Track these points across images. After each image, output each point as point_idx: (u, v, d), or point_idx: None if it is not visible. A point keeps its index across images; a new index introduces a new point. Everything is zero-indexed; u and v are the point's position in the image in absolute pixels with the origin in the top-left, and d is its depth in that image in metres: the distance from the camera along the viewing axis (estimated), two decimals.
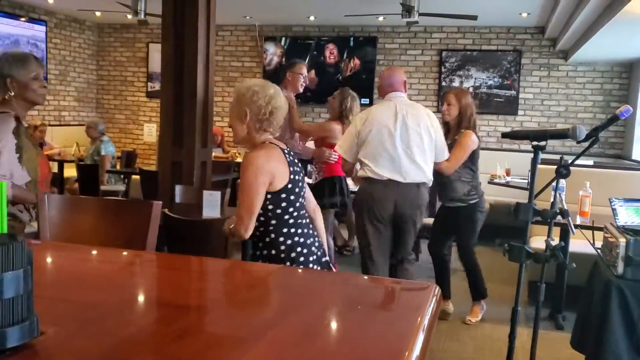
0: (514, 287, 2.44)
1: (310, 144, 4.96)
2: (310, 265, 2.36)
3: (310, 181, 5.29)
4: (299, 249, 2.34)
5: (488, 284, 4.23)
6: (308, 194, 2.50)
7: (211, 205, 3.42)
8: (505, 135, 2.52)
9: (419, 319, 1.25)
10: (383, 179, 3.44)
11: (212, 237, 3.03)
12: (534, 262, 2.28)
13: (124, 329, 1.13)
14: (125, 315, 1.24)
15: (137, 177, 6.65)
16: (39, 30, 8.23)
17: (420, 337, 1.16)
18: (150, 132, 8.94)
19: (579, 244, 4.24)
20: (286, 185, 2.30)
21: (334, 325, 1.29)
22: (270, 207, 2.30)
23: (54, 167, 7.38)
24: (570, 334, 3.06)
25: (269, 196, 2.28)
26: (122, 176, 7.33)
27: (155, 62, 8.83)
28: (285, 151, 2.37)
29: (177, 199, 4.07)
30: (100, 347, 1.03)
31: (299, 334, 1.16)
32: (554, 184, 2.39)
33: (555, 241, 2.38)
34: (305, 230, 2.39)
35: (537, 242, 4.31)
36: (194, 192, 3.99)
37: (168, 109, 4.37)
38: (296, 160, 2.40)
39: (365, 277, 1.89)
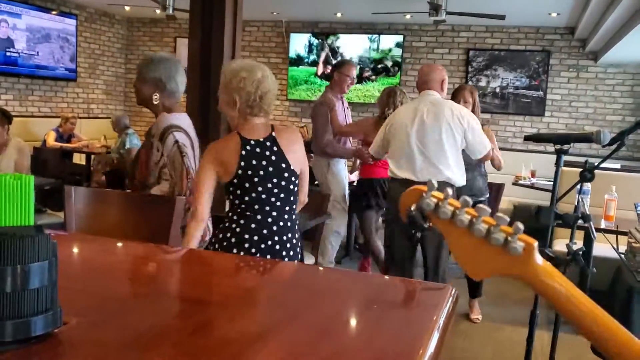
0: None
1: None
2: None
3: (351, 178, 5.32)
4: (255, 239, 2.25)
5: (509, 286, 4.20)
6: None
7: None
8: (528, 138, 2.50)
9: (435, 319, 1.26)
10: (399, 178, 3.42)
11: None
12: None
13: (143, 322, 1.16)
14: (146, 308, 1.27)
15: None
16: (70, 24, 8.37)
17: (435, 337, 1.16)
18: None
19: (602, 248, 4.18)
20: (232, 179, 2.24)
21: (349, 323, 1.31)
22: (226, 195, 2.31)
23: (82, 159, 7.52)
24: None
25: (224, 186, 2.29)
26: None
27: (183, 57, 8.90)
28: (252, 142, 2.26)
29: None
30: (120, 339, 1.06)
31: (314, 332, 1.17)
32: (578, 187, 2.37)
33: (578, 245, 2.36)
34: (266, 225, 2.26)
35: (560, 244, 4.26)
36: (218, 187, 4.02)
37: (194, 104, 4.42)
38: (267, 153, 2.27)
39: (382, 277, 1.89)
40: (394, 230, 3.49)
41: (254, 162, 2.25)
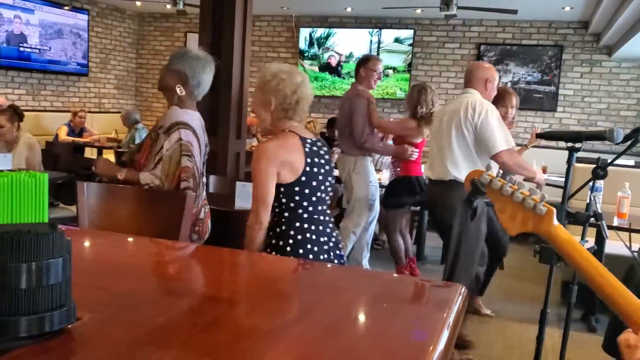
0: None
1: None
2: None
3: (382, 179, 5.29)
4: (308, 246, 2.18)
5: (520, 283, 4.19)
6: None
7: (243, 196, 3.45)
8: (539, 135, 2.49)
9: (444, 317, 1.26)
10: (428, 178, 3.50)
11: (244, 228, 3.07)
12: (565, 265, 2.25)
13: (154, 318, 1.17)
14: (157, 304, 1.28)
15: None
16: (82, 19, 8.41)
17: (445, 334, 1.16)
18: None
19: (615, 246, 4.15)
20: (299, 178, 2.16)
21: (359, 320, 1.31)
22: (283, 199, 2.18)
23: (93, 153, 7.57)
24: (602, 337, 3.02)
25: (282, 189, 2.17)
26: None
27: None
28: (309, 140, 2.23)
29: (211, 189, 4.13)
30: (132, 334, 1.07)
31: (324, 329, 1.18)
32: (590, 184, 2.35)
33: (590, 243, 2.34)
34: (321, 228, 2.23)
35: None
36: (227, 183, 4.04)
37: (204, 99, 4.41)
38: (322, 152, 2.26)
39: (391, 274, 1.89)
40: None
41: (316, 159, 2.21)
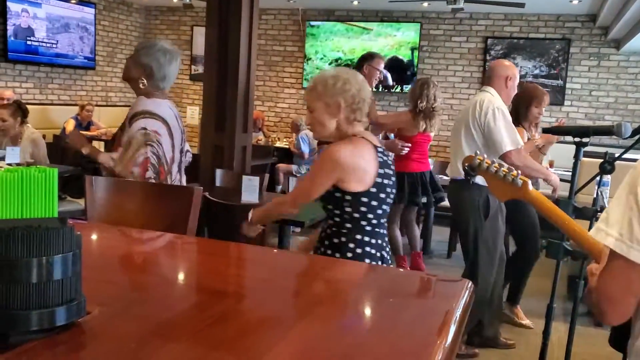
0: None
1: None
2: None
3: None
4: (367, 260, 2.07)
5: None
6: None
7: (250, 190, 3.47)
8: (547, 130, 2.48)
9: (451, 312, 1.26)
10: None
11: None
12: (572, 259, 2.26)
13: (163, 312, 1.18)
14: (165, 298, 1.29)
15: None
16: (89, 13, 8.41)
17: (452, 330, 1.17)
18: (192, 114, 9.08)
19: None
20: (369, 189, 2.04)
21: (366, 315, 1.32)
22: (347, 209, 2.05)
23: (101, 147, 7.59)
24: (609, 331, 3.01)
25: (348, 197, 2.03)
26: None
27: (199, 46, 8.94)
28: (379, 150, 2.11)
29: (218, 183, 4.15)
30: (141, 328, 1.08)
31: (331, 324, 1.19)
32: (597, 179, 2.35)
33: None
34: (380, 242, 2.13)
35: None
36: (234, 177, 4.06)
37: (211, 93, 4.44)
38: (389, 162, 2.14)
39: (398, 270, 1.90)
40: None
41: (386, 170, 2.10)
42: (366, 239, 2.07)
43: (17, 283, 0.95)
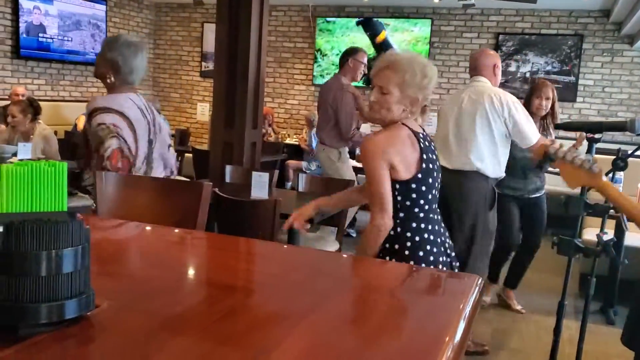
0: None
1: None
2: (440, 267, 2.07)
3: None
4: (428, 247, 2.04)
5: (538, 274, 4.16)
6: None
7: (259, 186, 3.47)
8: (558, 126, 2.46)
9: (461, 308, 1.26)
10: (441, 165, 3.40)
11: (259, 218, 3.08)
12: (584, 256, 2.24)
13: (172, 306, 1.18)
14: (174, 292, 1.29)
15: (190, 155, 6.81)
16: (100, 10, 8.45)
17: (461, 326, 1.16)
18: (203, 111, 9.11)
19: (635, 237, 4.11)
20: (416, 175, 2.01)
21: (375, 311, 1.31)
22: (398, 197, 2.02)
23: None
24: (621, 330, 2.99)
25: (397, 185, 2.01)
26: (175, 154, 7.50)
27: (210, 42, 8.96)
28: (421, 135, 2.07)
29: (227, 179, 4.16)
30: (149, 322, 1.09)
31: (340, 319, 1.18)
32: (610, 175, 2.33)
33: (609, 235, 2.32)
34: (437, 227, 2.10)
35: (590, 234, 4.20)
36: (244, 173, 4.06)
37: (221, 89, 4.44)
38: (433, 147, 2.11)
39: (408, 266, 1.89)
40: None
41: (430, 155, 2.07)
42: (422, 225, 2.05)
43: (27, 276, 0.95)
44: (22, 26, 7.33)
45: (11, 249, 0.95)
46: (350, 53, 4.70)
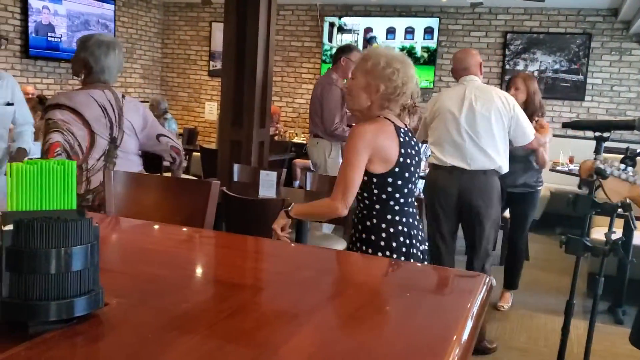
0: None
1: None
2: (412, 260, 2.14)
3: None
4: (401, 239, 2.12)
5: (546, 274, 4.14)
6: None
7: (267, 185, 3.48)
8: (566, 125, 2.45)
9: (468, 306, 1.26)
10: (447, 166, 3.33)
11: (267, 217, 3.09)
12: (592, 255, 2.23)
13: (180, 304, 1.19)
14: (182, 290, 1.30)
15: (198, 154, 6.82)
16: (108, 9, 8.48)
17: (469, 325, 1.16)
18: (211, 110, 9.13)
19: None
20: (393, 168, 2.07)
21: (382, 309, 1.31)
22: (375, 190, 2.09)
23: None
24: (629, 329, 2.98)
25: (374, 179, 2.08)
26: (183, 153, 7.52)
27: (218, 42, 8.98)
28: (402, 130, 2.13)
29: (235, 178, 4.17)
30: (158, 320, 1.09)
31: (347, 317, 1.19)
32: None
33: (617, 234, 2.31)
34: (411, 220, 2.16)
35: (598, 233, 4.18)
36: (252, 172, 4.07)
37: (228, 88, 4.45)
38: (413, 142, 2.17)
39: (417, 265, 1.89)
40: (438, 217, 3.43)
41: (409, 150, 2.12)
42: (397, 218, 2.11)
43: (36, 274, 0.96)
44: (31, 26, 7.37)
45: (21, 247, 0.96)
46: (345, 51, 4.68)
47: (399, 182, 2.09)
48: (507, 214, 4.25)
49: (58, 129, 2.62)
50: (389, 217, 2.11)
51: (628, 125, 2.29)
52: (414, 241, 2.15)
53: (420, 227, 2.24)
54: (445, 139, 3.36)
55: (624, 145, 2.70)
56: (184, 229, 1.90)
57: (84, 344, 1.00)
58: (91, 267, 1.02)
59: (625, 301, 4.01)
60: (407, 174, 2.11)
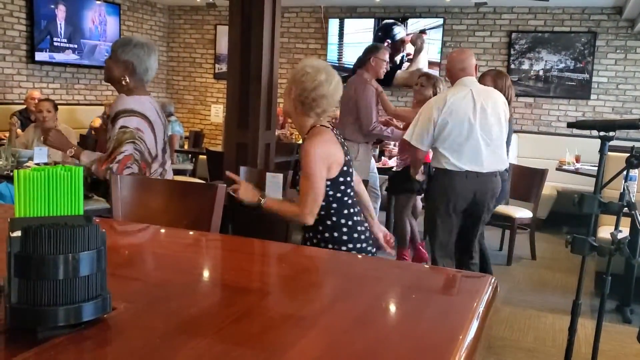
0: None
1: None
2: (369, 248, 2.36)
3: (394, 166, 5.38)
4: (359, 228, 2.33)
5: (552, 274, 4.12)
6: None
7: (274, 187, 3.48)
8: (571, 125, 2.44)
9: (474, 307, 1.26)
10: (462, 171, 3.31)
11: (274, 219, 3.10)
12: (598, 255, 2.22)
13: (187, 308, 1.20)
14: (190, 294, 1.31)
15: (204, 156, 6.84)
16: (113, 14, 8.52)
17: (475, 325, 1.16)
18: (217, 113, 9.15)
19: None
20: (342, 168, 2.28)
21: (388, 311, 1.32)
22: (330, 192, 2.27)
23: None
24: (637, 328, 2.97)
25: (328, 183, 2.25)
26: (189, 155, 7.55)
27: (223, 44, 8.99)
28: (336, 133, 2.34)
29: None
30: (165, 324, 1.10)
31: (354, 320, 1.19)
32: (624, 173, 2.31)
33: (624, 233, 2.30)
34: (359, 210, 2.40)
35: (605, 232, 4.17)
36: (258, 174, 4.07)
37: (234, 91, 4.46)
38: (343, 140, 2.37)
39: (421, 265, 1.90)
40: (452, 221, 3.42)
41: (345, 148, 2.34)
42: (351, 210, 2.32)
43: (45, 279, 0.97)
44: (37, 31, 7.41)
45: (29, 253, 0.97)
46: (373, 51, 4.71)
47: (348, 179, 2.31)
48: None
49: (133, 139, 2.59)
50: (346, 212, 2.30)
51: (632, 125, 2.28)
52: (367, 234, 2.36)
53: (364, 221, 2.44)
54: (462, 144, 3.32)
55: (629, 144, 2.69)
56: (191, 233, 1.91)
57: (92, 349, 1.01)
58: (99, 272, 1.03)
59: (633, 300, 3.99)
60: (351, 169, 2.34)
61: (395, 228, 4.86)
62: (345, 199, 2.31)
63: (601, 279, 2.39)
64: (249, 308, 1.23)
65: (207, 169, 6.42)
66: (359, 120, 4.63)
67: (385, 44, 7.90)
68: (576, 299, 2.38)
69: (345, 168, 2.28)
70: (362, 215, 2.40)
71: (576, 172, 5.97)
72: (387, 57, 4.72)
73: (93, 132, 6.98)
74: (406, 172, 4.76)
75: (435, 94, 4.54)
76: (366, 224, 2.41)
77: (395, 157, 5.42)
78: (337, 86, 2.29)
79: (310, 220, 2.26)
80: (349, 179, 2.32)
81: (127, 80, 2.71)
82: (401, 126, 4.98)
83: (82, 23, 8.02)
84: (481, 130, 3.30)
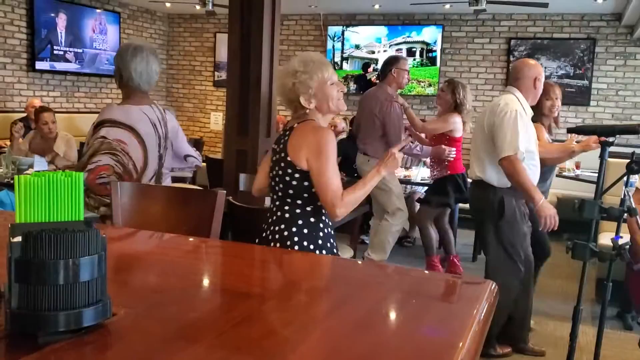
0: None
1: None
2: (335, 251, 2.27)
3: (412, 176, 5.41)
4: (323, 218, 2.23)
5: (554, 280, 4.12)
6: None
7: None
8: (571, 130, 2.45)
9: (474, 313, 1.26)
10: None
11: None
12: (599, 260, 2.22)
13: (187, 314, 1.19)
14: (190, 300, 1.30)
15: (204, 164, 6.84)
16: (113, 22, 8.55)
17: (474, 332, 1.16)
18: (216, 120, 9.16)
19: None
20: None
21: (389, 317, 1.32)
22: (312, 189, 2.14)
23: None
24: (639, 335, 2.96)
25: (302, 174, 2.14)
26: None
27: (222, 52, 9.02)
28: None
29: (241, 187, 4.17)
30: (165, 329, 1.10)
31: (355, 325, 1.19)
32: (624, 179, 2.31)
33: (624, 239, 2.30)
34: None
35: (606, 238, 4.16)
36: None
37: (234, 98, 4.47)
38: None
39: (421, 271, 1.89)
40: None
41: None
42: (319, 203, 2.17)
43: (45, 285, 0.97)
44: (37, 39, 7.43)
45: (29, 258, 0.97)
46: (393, 62, 4.70)
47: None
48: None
49: (111, 150, 2.53)
50: (324, 210, 2.18)
51: (632, 130, 2.29)
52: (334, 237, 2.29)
53: None
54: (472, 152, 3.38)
55: (629, 150, 2.69)
56: (191, 239, 1.91)
57: (92, 354, 1.01)
58: (99, 278, 1.02)
59: (635, 307, 3.98)
60: None
61: (423, 236, 4.89)
62: (313, 190, 2.15)
63: (602, 285, 2.38)
64: (249, 313, 1.23)
65: (207, 176, 6.42)
66: (386, 139, 4.60)
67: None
68: (577, 305, 2.38)
69: None
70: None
71: (576, 178, 5.97)
72: (407, 66, 4.72)
73: None
74: (442, 184, 4.77)
75: (455, 99, 4.55)
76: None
77: (419, 166, 5.49)
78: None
79: (345, 213, 2.15)
80: None
81: (118, 85, 2.68)
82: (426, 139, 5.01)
83: (82, 32, 8.04)
84: (474, 137, 3.40)
